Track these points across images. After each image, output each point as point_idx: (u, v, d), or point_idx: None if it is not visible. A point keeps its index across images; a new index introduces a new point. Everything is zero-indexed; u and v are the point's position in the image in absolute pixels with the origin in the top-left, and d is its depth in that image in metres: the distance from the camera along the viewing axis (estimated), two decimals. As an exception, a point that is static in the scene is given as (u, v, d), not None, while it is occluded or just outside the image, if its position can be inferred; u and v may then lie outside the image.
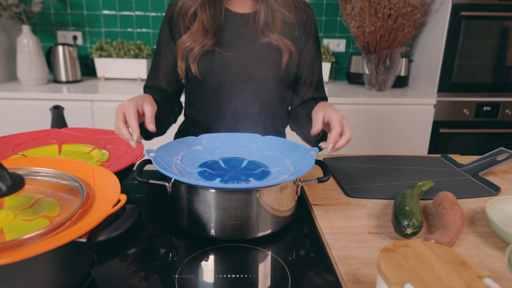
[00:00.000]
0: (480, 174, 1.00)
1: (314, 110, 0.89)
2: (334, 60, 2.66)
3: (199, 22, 1.00)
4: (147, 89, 1.11)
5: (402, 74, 2.59)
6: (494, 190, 0.92)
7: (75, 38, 2.65)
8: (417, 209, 0.73)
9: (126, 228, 0.53)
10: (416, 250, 0.52)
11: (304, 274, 0.65)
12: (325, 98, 1.15)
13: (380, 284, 0.50)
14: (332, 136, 0.80)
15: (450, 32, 2.16)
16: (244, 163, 0.84)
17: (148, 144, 0.92)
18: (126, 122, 0.79)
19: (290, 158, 0.87)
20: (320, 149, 0.83)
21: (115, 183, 0.63)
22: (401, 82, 2.59)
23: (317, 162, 0.84)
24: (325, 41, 2.75)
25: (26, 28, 2.32)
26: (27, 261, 0.47)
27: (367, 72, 2.47)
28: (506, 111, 2.29)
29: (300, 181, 0.79)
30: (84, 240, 0.53)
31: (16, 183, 0.55)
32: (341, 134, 0.81)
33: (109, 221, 0.55)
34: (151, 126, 0.81)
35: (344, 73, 2.82)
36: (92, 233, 0.53)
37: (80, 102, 2.14)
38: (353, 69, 2.67)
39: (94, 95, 2.15)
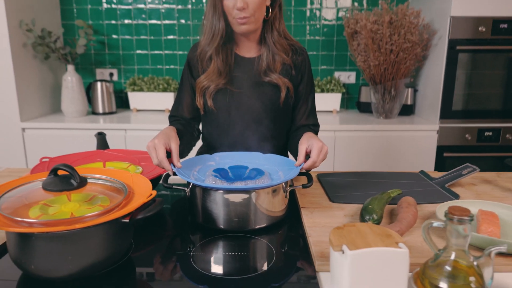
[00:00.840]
0: (446, 185, 1.19)
1: (300, 141, 1.13)
2: (344, 91, 2.89)
3: (214, 65, 1.25)
4: (172, 117, 1.37)
5: (409, 102, 2.79)
6: (454, 197, 1.11)
7: (111, 74, 2.98)
8: (378, 207, 0.93)
9: (156, 211, 0.77)
10: (359, 228, 0.73)
11: (286, 253, 0.87)
12: (317, 124, 1.39)
13: (331, 251, 0.70)
14: (307, 163, 1.06)
15: (448, 64, 2.36)
16: (247, 172, 1.07)
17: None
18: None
19: (283, 170, 1.09)
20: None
21: (148, 184, 0.87)
22: (408, 110, 2.79)
23: (305, 174, 1.07)
24: (336, 74, 2.99)
25: (70, 67, 2.66)
26: (89, 230, 0.71)
27: (374, 101, 2.68)
28: (507, 135, 2.44)
29: (289, 186, 1.01)
30: (127, 220, 0.76)
31: (82, 181, 0.80)
32: None
33: (144, 208, 0.78)
34: (178, 164, 1.04)
35: (355, 102, 3.04)
36: (132, 215, 0.76)
37: (115, 131, 2.42)
38: (363, 98, 2.89)
39: (127, 125, 2.44)
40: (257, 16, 1.21)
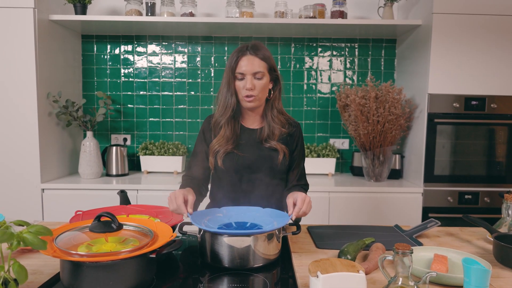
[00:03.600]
0: (414, 236, 1.41)
1: (287, 197, 1.39)
2: (338, 156, 3.15)
3: (224, 133, 1.53)
4: (186, 176, 1.62)
5: (397, 167, 3.04)
6: (418, 245, 1.33)
7: (125, 140, 3.26)
8: (352, 250, 1.15)
9: (176, 248, 0.99)
10: (332, 261, 0.95)
11: (278, 284, 1.07)
12: (307, 184, 1.63)
13: (309, 277, 0.92)
14: (295, 210, 1.30)
15: (428, 134, 2.65)
16: (248, 225, 1.30)
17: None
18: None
19: (277, 220, 1.32)
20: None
21: (169, 229, 1.10)
22: (396, 174, 3.04)
23: (295, 224, 1.30)
24: (331, 140, 3.27)
25: (89, 134, 2.94)
26: (126, 261, 0.93)
27: (365, 166, 2.94)
28: (485, 199, 2.67)
29: (280, 232, 1.24)
30: (153, 256, 0.99)
31: (119, 226, 1.03)
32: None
33: (167, 246, 1.01)
34: (190, 210, 1.29)
35: (348, 166, 3.30)
36: (158, 251, 0.99)
37: (128, 191, 2.64)
38: (356, 163, 3.15)
39: (138, 185, 2.67)
40: (260, 96, 1.51)
